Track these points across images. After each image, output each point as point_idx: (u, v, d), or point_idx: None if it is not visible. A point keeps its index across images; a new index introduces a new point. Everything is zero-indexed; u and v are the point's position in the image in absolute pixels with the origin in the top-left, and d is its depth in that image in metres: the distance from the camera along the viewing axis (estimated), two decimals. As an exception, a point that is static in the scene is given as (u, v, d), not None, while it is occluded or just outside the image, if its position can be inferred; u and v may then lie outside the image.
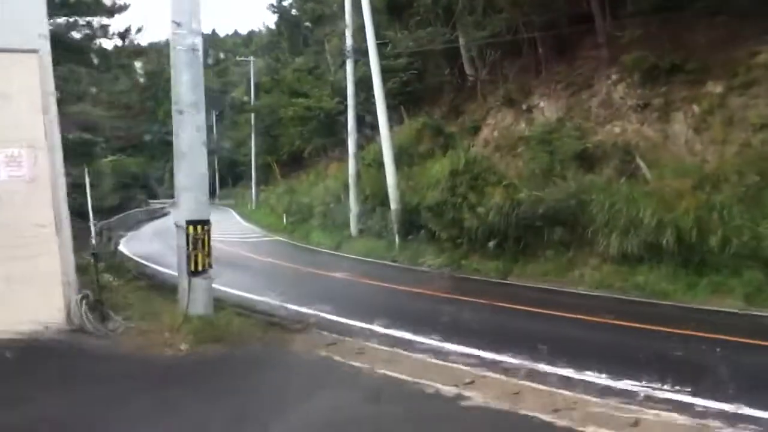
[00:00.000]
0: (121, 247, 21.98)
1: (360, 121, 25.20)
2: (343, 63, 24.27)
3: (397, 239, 19.70)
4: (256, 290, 12.80)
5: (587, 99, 18.52)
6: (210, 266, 7.45)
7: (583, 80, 18.91)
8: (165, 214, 56.09)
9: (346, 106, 24.60)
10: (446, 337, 8.71)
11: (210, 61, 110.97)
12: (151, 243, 23.48)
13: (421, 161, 21.08)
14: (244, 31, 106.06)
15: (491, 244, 16.18)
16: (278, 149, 50.15)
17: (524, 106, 19.78)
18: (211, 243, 7.71)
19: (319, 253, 21.97)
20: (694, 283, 12.48)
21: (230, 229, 32.98)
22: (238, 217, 44.95)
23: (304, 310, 10.57)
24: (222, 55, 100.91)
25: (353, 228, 22.96)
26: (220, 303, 8.37)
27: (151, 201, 77.65)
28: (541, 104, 19.54)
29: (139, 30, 25.99)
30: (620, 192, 14.65)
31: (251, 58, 56.70)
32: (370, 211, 21.89)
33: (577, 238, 14.98)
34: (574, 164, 16.70)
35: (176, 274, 7.87)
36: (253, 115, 51.60)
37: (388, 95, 22.02)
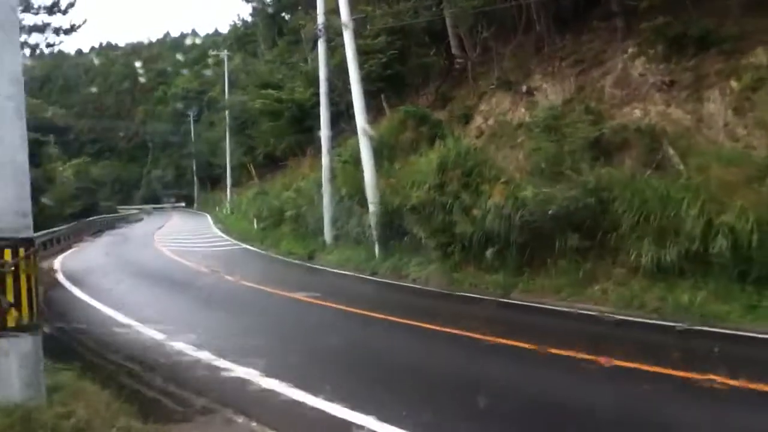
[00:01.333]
0: (56, 264, 18.80)
1: (337, 115, 22.23)
2: (315, 46, 21.24)
3: (377, 247, 16.75)
4: (177, 326, 9.51)
5: (599, 78, 15.65)
6: (36, 318, 4.38)
7: (593, 56, 16.06)
8: (137, 221, 52.89)
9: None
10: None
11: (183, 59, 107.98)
12: (97, 259, 20.54)
13: (405, 156, 18.14)
14: (225, 30, 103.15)
15: (490, 252, 13.25)
16: (254, 149, 47.11)
17: (523, 89, 16.86)
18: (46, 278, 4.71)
19: (287, 264, 18.97)
20: (753, 303, 9.62)
21: (196, 237, 29.91)
22: (211, 223, 41.79)
23: (225, 365, 6.95)
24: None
25: (328, 234, 19.97)
26: (91, 359, 5.38)
27: (123, 207, 74.30)
28: (544, 86, 16.64)
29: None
30: (650, 187, 11.75)
31: (225, 52, 53.50)
32: (346, 215, 18.91)
33: (596, 245, 12.07)
34: (588, 155, 13.76)
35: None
36: (227, 112, 48.41)
37: (366, 80, 19.09)
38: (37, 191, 29.00)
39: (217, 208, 62.31)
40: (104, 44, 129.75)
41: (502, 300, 12.06)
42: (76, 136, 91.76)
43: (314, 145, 25.34)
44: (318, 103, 21.51)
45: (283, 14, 42.77)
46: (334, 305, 11.27)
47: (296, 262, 19.09)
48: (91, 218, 37.72)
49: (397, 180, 16.78)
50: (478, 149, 15.88)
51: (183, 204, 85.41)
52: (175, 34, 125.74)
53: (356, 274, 15.97)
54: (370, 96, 18.62)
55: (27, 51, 17.22)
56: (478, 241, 13.53)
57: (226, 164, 55.65)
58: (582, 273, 11.99)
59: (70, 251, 24.04)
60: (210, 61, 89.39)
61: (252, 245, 24.40)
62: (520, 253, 12.86)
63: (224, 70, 52.33)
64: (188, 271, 16.59)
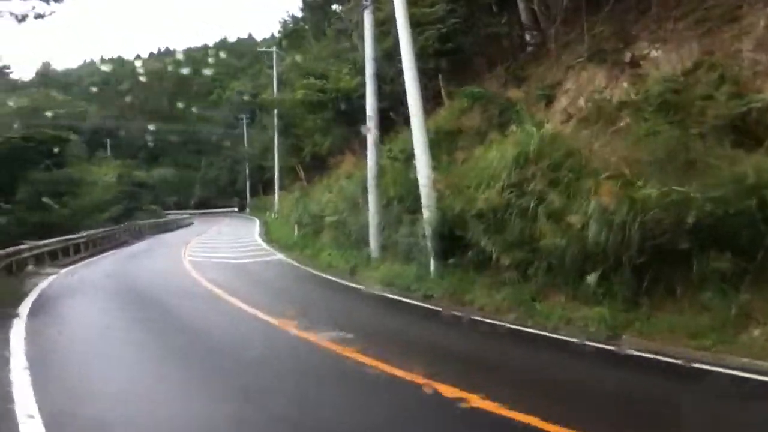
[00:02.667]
0: (44, 283, 15.69)
1: (386, 107, 18.82)
2: (361, 20, 17.89)
3: (432, 263, 13.14)
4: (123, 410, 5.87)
5: (733, 39, 11.61)
6: None
7: (723, 12, 12.02)
8: (183, 226, 50.84)
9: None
10: None
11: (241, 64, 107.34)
12: (94, 278, 17.22)
13: (468, 149, 14.48)
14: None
15: (592, 277, 9.47)
16: (301, 149, 44.23)
17: (625, 59, 12.95)
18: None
19: (322, 284, 15.55)
20: None
21: (232, 246, 26.97)
22: (256, 229, 39.04)
23: None
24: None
25: (373, 245, 16.50)
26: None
27: (173, 212, 72.98)
28: (653, 53, 12.66)
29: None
30: None
31: (274, 48, 50.97)
32: (395, 222, 15.40)
33: (756, 268, 8.18)
34: (728, 139, 9.82)
35: None
36: (275, 112, 45.64)
37: (422, 56, 15.61)
38: (54, 194, 26.67)
39: (267, 213, 60.08)
40: (162, 50, 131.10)
41: (608, 347, 8.30)
42: (130, 141, 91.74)
43: (361, 141, 21.98)
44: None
45: (333, 5, 39.66)
46: (374, 363, 7.19)
47: (334, 279, 15.67)
48: (124, 224, 35.35)
49: (459, 178, 13.13)
50: (566, 137, 12.06)
51: (236, 208, 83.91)
52: (231, 39, 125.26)
53: (406, 299, 12.41)
54: (425, 76, 15.02)
55: (12, 21, 14.40)
56: (573, 260, 9.79)
57: (275, 166, 53.14)
58: (735, 310, 8.11)
59: (78, 264, 21.35)
60: (263, 58, 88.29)
61: (289, 256, 21.19)
62: (637, 279, 9.04)
63: (275, 70, 49.69)
64: (194, 295, 13.18)
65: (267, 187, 77.03)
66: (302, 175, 46.00)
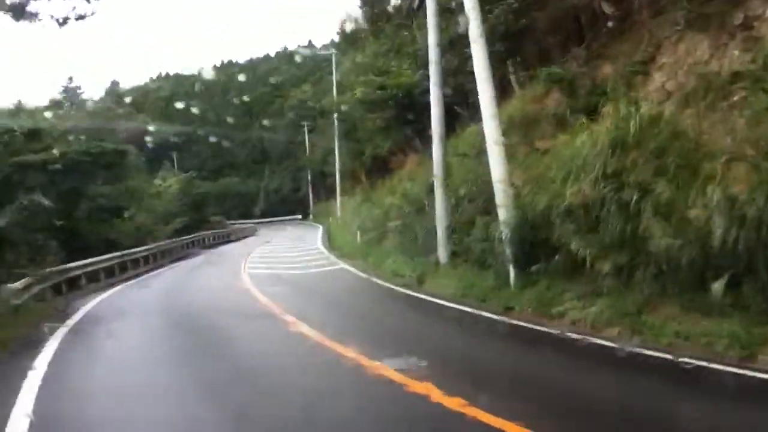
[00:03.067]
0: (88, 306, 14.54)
1: (451, 102, 17.33)
2: (422, 5, 16.46)
3: (511, 270, 11.49)
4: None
5: None
6: None
7: None
8: (246, 236, 50.55)
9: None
10: None
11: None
12: (144, 301, 15.80)
13: (548, 138, 12.76)
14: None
15: (718, 285, 7.65)
16: (362, 153, 43.15)
17: (735, 21, 10.98)
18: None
19: (387, 295, 14.09)
20: None
21: (295, 255, 25.97)
22: (319, 237, 38.09)
23: None
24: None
25: (442, 251, 14.96)
26: None
27: (238, 222, 73.42)
28: (771, 13, 10.67)
29: None
30: None
31: (332, 51, 50.17)
32: (466, 225, 13.83)
33: None
34: None
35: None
36: (335, 116, 44.73)
37: (491, 36, 13.98)
38: (114, 208, 26.29)
39: (330, 219, 59.38)
40: (225, 62, 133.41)
41: (748, 371, 6.53)
42: (195, 154, 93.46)
43: (424, 140, 20.53)
44: (428, 89, 16.71)
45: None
46: (457, 405, 5.55)
47: (400, 290, 14.20)
48: (186, 237, 34.96)
49: (541, 172, 11.46)
50: (668, 117, 10.19)
51: (299, 216, 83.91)
52: (292, 47, 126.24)
53: (483, 312, 10.80)
54: (492, 62, 13.36)
55: (54, 24, 13.65)
56: (691, 264, 7.99)
57: (339, 172, 52.38)
58: None
59: (133, 281, 20.65)
60: (323, 65, 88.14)
61: (352, 265, 19.88)
62: (778, 287, 7.21)
63: (334, 73, 48.87)
64: (250, 316, 11.65)
65: (329, 194, 76.50)
66: (363, 178, 44.95)
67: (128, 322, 12.09)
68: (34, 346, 8.95)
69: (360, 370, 7.03)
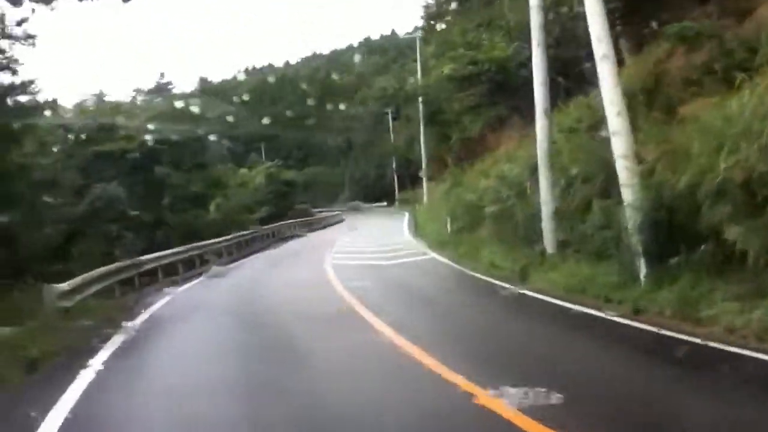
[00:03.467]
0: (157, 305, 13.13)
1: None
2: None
3: (642, 263, 9.54)
4: None
5: None
6: None
7: None
8: (331, 224, 49.94)
9: (529, 52, 14.88)
10: None
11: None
12: (220, 300, 14.05)
13: (687, 104, 10.64)
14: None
15: None
16: (448, 137, 41.37)
17: None
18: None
19: (489, 293, 12.27)
20: None
21: (381, 244, 24.65)
22: (405, 224, 36.74)
23: None
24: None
25: (548, 240, 13.11)
26: None
27: (323, 210, 73.26)
28: None
29: None
30: None
31: (417, 33, 48.49)
32: (580, 209, 11.93)
33: None
34: None
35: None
36: (420, 99, 43.08)
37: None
38: (197, 197, 25.72)
39: (415, 206, 57.98)
40: (309, 55, 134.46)
41: None
42: (281, 144, 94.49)
43: (522, 117, 18.59)
44: (524, 63, 14.90)
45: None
46: None
47: (500, 284, 12.44)
48: (270, 226, 34.32)
49: (677, 144, 9.42)
50: None
51: (384, 203, 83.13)
52: (374, 37, 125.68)
53: (607, 315, 8.93)
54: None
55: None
56: None
57: (421, 157, 50.82)
58: None
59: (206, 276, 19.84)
60: (407, 52, 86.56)
61: (442, 255, 18.29)
62: None
63: (418, 56, 47.17)
64: (332, 319, 9.97)
65: (414, 180, 75.03)
66: (450, 163, 43.14)
67: (194, 327, 10.59)
68: (73, 365, 7.23)
69: (477, 410, 5.18)
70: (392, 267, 16.93)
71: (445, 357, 6.62)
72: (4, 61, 12.91)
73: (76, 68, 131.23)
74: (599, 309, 9.31)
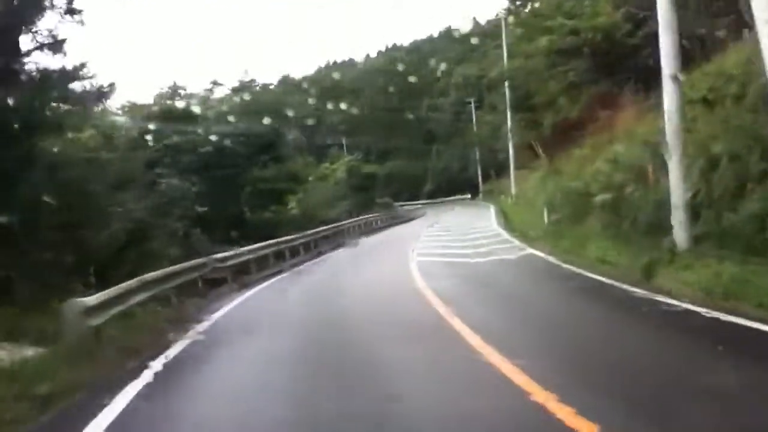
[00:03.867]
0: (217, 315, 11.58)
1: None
2: None
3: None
4: None
5: None
6: None
7: None
8: (414, 218, 48.12)
9: (639, 18, 12.55)
10: None
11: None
12: (285, 304, 12.90)
13: None
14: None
15: None
16: (539, 124, 38.74)
17: None
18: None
19: (607, 296, 10.12)
20: None
21: (470, 237, 22.73)
22: (492, 216, 34.51)
23: None
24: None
25: (680, 232, 10.77)
26: None
27: (406, 203, 71.65)
28: None
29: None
30: None
31: (502, 12, 45.92)
32: (725, 195, 9.60)
33: None
34: None
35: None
36: (506, 84, 40.59)
37: None
38: (275, 192, 24.36)
39: (502, 197, 55.48)
40: (389, 47, 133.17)
41: None
42: (363, 137, 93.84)
43: (636, 92, 16.14)
44: (632, 32, 12.53)
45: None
46: None
47: (620, 286, 10.23)
48: (350, 221, 32.88)
49: None
50: None
51: (468, 196, 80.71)
52: (455, 26, 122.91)
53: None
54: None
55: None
56: None
57: (508, 147, 48.27)
58: None
59: (285, 274, 18.37)
60: (488, 41, 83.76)
61: (541, 249, 16.13)
62: None
63: (504, 39, 44.59)
64: (418, 336, 7.88)
65: (499, 171, 72.19)
66: (540, 151, 40.46)
67: (259, 347, 8.51)
68: (92, 407, 5.59)
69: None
70: (485, 265, 14.95)
71: (566, 393, 4.71)
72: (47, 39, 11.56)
73: (158, 68, 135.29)
74: (761, 320, 7.08)
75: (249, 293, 14.43)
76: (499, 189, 67.25)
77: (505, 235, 21.11)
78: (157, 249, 12.99)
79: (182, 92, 32.08)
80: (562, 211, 17.41)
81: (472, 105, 78.67)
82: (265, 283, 16.17)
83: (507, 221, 26.26)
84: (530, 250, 16.61)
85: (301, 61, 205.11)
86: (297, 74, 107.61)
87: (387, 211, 46.97)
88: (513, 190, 40.02)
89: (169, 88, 34.98)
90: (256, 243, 18.47)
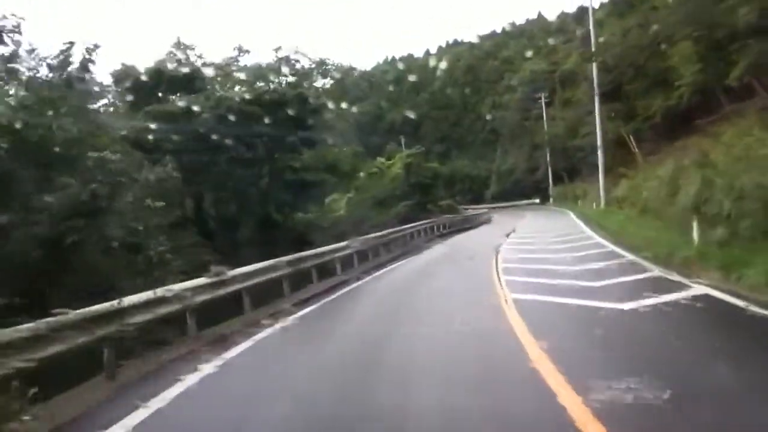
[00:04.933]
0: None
1: None
2: None
3: None
4: None
5: None
6: None
7: None
8: (481, 223, 42.06)
9: None
10: None
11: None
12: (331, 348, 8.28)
13: None
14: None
15: None
16: (634, 114, 32.34)
17: None
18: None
19: None
20: None
21: (566, 248, 16.87)
22: (579, 224, 28.30)
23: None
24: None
25: None
26: None
27: (470, 207, 65.40)
28: None
29: None
30: None
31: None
32: None
33: None
34: None
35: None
36: (594, 66, 34.16)
37: None
38: (303, 183, 18.46)
39: (579, 203, 48.87)
40: (450, 42, 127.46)
41: None
42: (424, 135, 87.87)
43: None
44: None
45: None
46: None
47: None
48: (411, 225, 27.04)
49: None
50: None
51: (537, 200, 73.86)
52: (520, 22, 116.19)
53: None
54: None
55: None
56: None
57: (590, 146, 41.72)
58: None
59: (329, 298, 13.03)
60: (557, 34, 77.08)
61: (713, 284, 10.03)
62: None
63: (591, 12, 38.07)
64: None
65: (572, 174, 65.19)
66: (635, 148, 33.92)
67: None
68: None
69: None
70: (636, 317, 8.69)
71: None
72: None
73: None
74: None
75: (260, 335, 9.10)
76: (573, 193, 60.32)
77: (628, 256, 14.87)
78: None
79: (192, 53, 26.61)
80: (739, 221, 11.25)
81: (543, 100, 71.75)
82: (295, 316, 10.72)
83: (614, 235, 19.95)
84: (694, 286, 10.39)
85: (361, 56, 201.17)
86: (359, 68, 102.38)
87: (452, 214, 41.00)
88: (601, 194, 33.44)
89: (174, 46, 29.48)
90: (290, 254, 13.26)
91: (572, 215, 37.04)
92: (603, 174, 33.37)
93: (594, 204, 36.24)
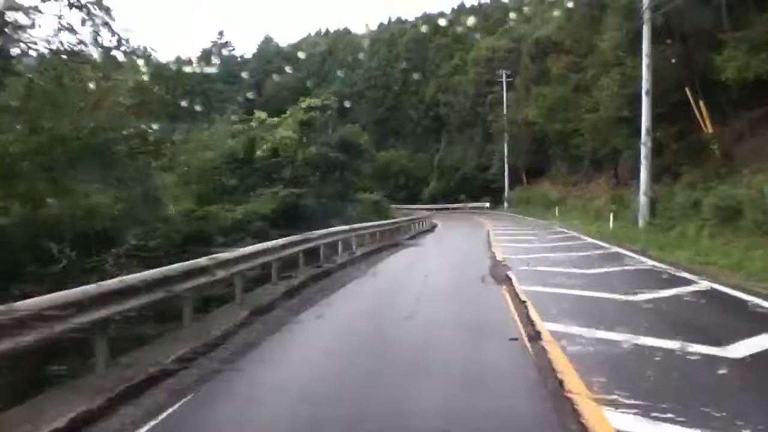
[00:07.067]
0: None
1: None
2: None
3: None
4: None
5: None
6: None
7: None
8: (420, 233, 26.97)
9: None
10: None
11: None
12: None
13: None
14: None
15: None
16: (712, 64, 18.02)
17: None
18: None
19: None
20: None
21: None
22: (591, 242, 13.58)
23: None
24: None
25: None
26: None
27: (404, 207, 50.75)
28: None
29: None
30: None
31: None
32: None
33: None
34: None
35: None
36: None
37: None
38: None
39: (556, 210, 34.78)
40: (393, 20, 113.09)
41: None
42: (356, 118, 71.73)
43: None
44: None
45: None
46: None
47: None
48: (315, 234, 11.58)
49: None
50: None
51: (486, 204, 59.69)
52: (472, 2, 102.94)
53: None
54: None
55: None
56: None
57: (584, 131, 27.77)
58: None
59: None
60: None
61: None
62: None
63: None
64: None
65: (535, 173, 51.57)
66: (708, 125, 19.75)
67: None
68: None
69: None
70: None
71: None
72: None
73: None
74: None
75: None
76: (535, 198, 46.66)
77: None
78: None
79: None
80: None
81: (504, 79, 57.63)
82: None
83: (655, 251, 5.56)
84: None
85: (289, 27, 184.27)
86: (282, 41, 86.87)
87: (377, 216, 25.49)
88: (643, 200, 18.73)
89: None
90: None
91: (557, 225, 22.61)
92: (648, 167, 18.73)
93: (610, 216, 21.68)
